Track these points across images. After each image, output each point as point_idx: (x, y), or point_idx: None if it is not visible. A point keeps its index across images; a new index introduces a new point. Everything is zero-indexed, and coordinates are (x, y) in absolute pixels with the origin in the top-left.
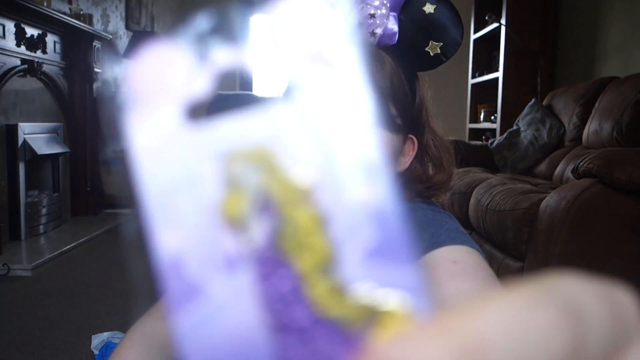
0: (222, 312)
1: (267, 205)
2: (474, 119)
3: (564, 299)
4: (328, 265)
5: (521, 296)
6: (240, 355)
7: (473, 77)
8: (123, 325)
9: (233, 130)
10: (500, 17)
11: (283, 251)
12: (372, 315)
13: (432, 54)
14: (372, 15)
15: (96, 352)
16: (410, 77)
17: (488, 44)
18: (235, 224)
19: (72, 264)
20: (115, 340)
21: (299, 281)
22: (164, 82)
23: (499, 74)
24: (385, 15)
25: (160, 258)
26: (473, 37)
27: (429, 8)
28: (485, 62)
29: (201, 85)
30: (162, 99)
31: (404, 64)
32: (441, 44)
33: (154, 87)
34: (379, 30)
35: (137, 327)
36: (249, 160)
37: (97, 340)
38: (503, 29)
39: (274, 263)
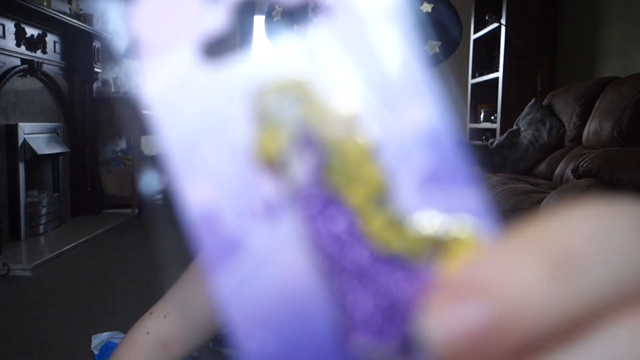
0: (267, 265)
1: (308, 139)
2: (474, 119)
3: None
4: (383, 196)
5: (601, 209)
6: (294, 309)
7: (473, 77)
8: (123, 325)
9: (260, 62)
10: (500, 17)
11: (331, 187)
12: (437, 245)
13: (430, 54)
14: None
15: (96, 352)
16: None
17: (488, 44)
18: (274, 164)
19: (72, 264)
20: (115, 340)
21: (353, 217)
22: (173, 19)
23: (499, 74)
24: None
25: (191, 214)
26: (473, 37)
27: (426, 7)
28: (485, 62)
29: (215, 19)
30: (174, 38)
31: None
32: (439, 43)
33: (163, 26)
34: None
35: (138, 327)
36: (282, 92)
37: (97, 340)
38: (503, 28)
39: (322, 201)
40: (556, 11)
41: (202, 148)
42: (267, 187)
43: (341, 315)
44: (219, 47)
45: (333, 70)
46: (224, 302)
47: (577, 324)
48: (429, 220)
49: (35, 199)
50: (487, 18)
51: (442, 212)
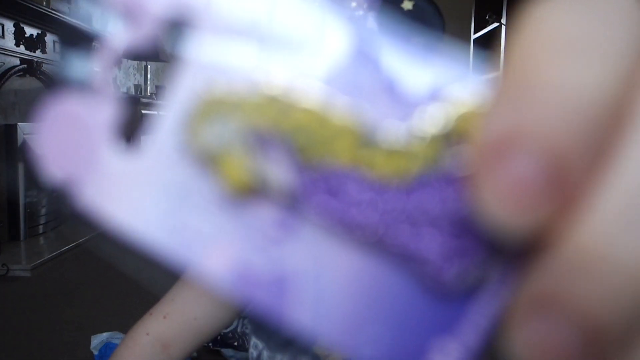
0: (325, 275)
1: (261, 140)
2: None
3: None
4: (367, 135)
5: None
6: (378, 293)
7: None
8: (123, 325)
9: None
10: (501, 17)
11: (317, 163)
12: (451, 135)
13: None
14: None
15: (95, 352)
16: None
17: (488, 44)
18: (253, 186)
19: (72, 264)
20: (115, 341)
21: (357, 174)
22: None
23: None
24: (363, 17)
25: (222, 285)
26: (473, 36)
27: (407, 5)
28: (486, 61)
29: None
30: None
31: None
32: (423, 39)
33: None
34: None
35: (138, 327)
36: (207, 120)
37: (97, 340)
38: (504, 28)
39: (320, 182)
40: None
41: (190, 229)
42: (263, 210)
43: (420, 267)
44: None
45: (234, 62)
46: (318, 329)
47: None
48: (425, 121)
49: (35, 199)
50: (487, 18)
51: (431, 99)
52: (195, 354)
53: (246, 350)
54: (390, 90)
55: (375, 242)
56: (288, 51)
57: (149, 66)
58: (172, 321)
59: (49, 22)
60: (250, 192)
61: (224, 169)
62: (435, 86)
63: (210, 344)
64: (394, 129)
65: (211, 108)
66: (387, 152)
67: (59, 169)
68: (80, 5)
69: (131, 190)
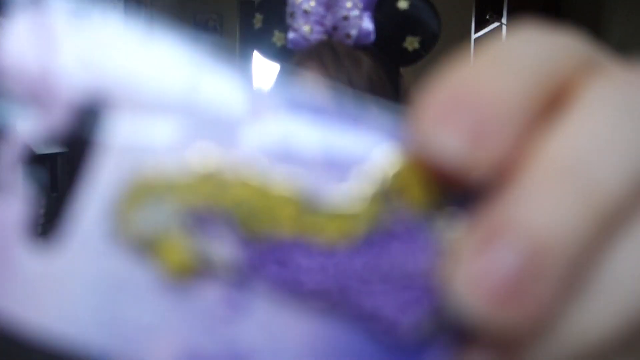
0: (281, 352)
1: (200, 220)
2: None
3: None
4: (307, 201)
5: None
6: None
7: None
8: None
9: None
10: (501, 17)
11: (261, 236)
12: (390, 192)
13: (410, 50)
14: (346, 18)
15: None
16: (392, 75)
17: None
18: (195, 268)
19: None
20: None
21: (303, 241)
22: None
23: None
24: (358, 16)
25: None
26: (474, 36)
27: (403, 4)
28: None
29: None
30: None
31: (384, 61)
32: (419, 38)
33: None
34: (353, 32)
35: None
36: (135, 203)
37: None
38: (504, 28)
39: (266, 254)
40: (557, 10)
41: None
42: (209, 290)
43: (375, 324)
44: None
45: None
46: None
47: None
48: (363, 181)
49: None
50: (487, 17)
51: (366, 160)
52: None
53: None
54: (326, 154)
55: (329, 306)
56: (217, 125)
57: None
58: None
59: None
60: (193, 274)
61: (162, 253)
62: (369, 146)
63: None
64: (334, 193)
65: (142, 192)
66: (330, 215)
67: None
68: None
69: (54, 290)
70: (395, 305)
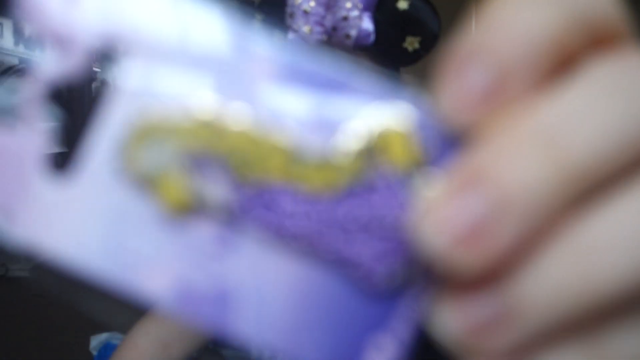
0: (265, 286)
1: (196, 161)
2: None
3: None
4: (296, 151)
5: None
6: (315, 299)
7: None
8: (123, 326)
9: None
10: None
11: (251, 181)
12: (374, 150)
13: (410, 50)
14: (345, 18)
15: (95, 352)
16: (392, 75)
17: None
18: (190, 204)
19: None
20: (115, 341)
21: (290, 188)
22: None
23: None
24: (357, 17)
25: (168, 304)
26: None
27: (402, 4)
28: None
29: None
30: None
31: (384, 62)
32: (419, 38)
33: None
34: (353, 32)
35: (138, 328)
36: (140, 144)
37: (96, 341)
38: None
39: (255, 198)
40: None
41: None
42: (202, 227)
43: (353, 271)
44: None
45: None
46: (262, 339)
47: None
48: (350, 137)
49: None
50: None
51: (355, 118)
52: (195, 354)
53: (247, 350)
54: (317, 111)
55: (311, 250)
56: (218, 74)
57: None
58: (173, 321)
59: None
60: (188, 211)
61: (162, 190)
62: (358, 106)
63: (210, 344)
64: (321, 146)
65: (147, 133)
66: (317, 166)
67: None
68: None
69: (66, 218)
70: (372, 254)
